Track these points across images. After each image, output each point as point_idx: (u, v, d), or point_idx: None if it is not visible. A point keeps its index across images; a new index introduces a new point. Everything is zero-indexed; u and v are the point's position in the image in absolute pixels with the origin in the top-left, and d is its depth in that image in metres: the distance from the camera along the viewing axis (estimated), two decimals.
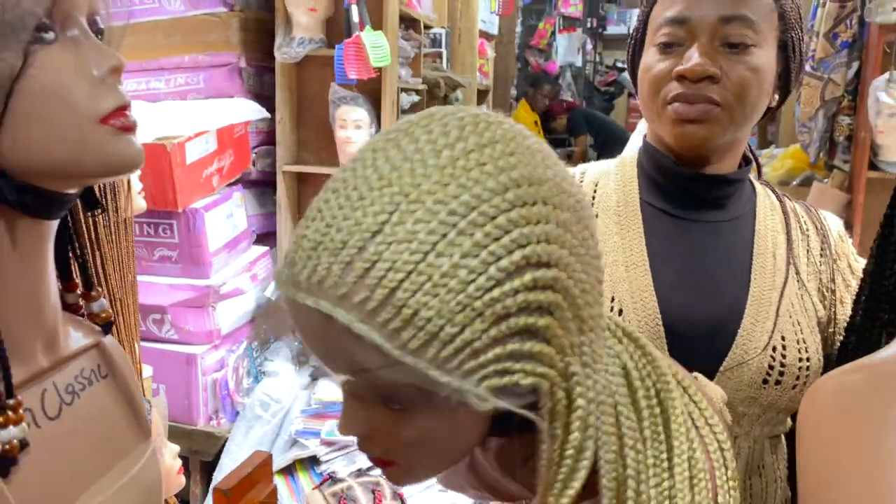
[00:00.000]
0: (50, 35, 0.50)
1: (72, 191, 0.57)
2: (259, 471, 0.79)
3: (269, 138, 2.60)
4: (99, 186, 1.40)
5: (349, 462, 2.16)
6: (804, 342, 0.83)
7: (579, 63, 6.55)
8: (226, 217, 2.37)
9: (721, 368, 0.82)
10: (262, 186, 2.63)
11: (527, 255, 0.46)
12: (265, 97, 2.52)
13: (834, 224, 0.92)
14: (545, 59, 6.08)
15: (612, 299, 0.83)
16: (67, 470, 0.58)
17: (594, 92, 6.73)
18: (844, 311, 0.87)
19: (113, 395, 0.66)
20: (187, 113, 2.34)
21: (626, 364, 0.55)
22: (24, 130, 0.50)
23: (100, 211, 0.64)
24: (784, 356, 0.82)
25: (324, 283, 0.46)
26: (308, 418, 2.27)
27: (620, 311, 0.82)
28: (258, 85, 2.56)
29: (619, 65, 6.89)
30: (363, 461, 2.16)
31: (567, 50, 6.27)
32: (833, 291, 0.88)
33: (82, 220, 0.66)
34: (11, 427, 0.51)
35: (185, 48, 2.47)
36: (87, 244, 1.31)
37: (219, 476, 2.25)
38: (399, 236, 0.45)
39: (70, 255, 0.67)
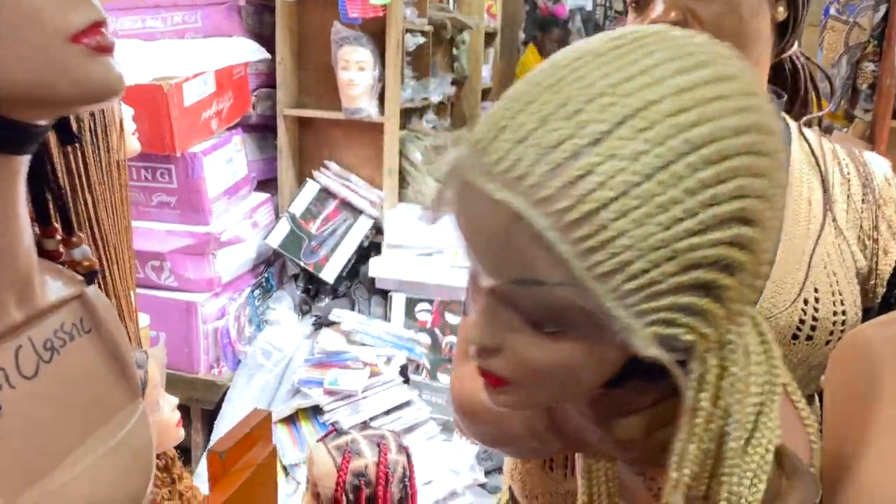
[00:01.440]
0: None
1: (43, 122, 0.50)
2: (258, 430, 0.74)
3: (269, 80, 2.51)
4: (89, 126, 1.33)
5: (353, 412, 2.14)
6: (840, 294, 0.78)
7: (589, 7, 6.36)
8: (225, 162, 2.30)
9: None
10: (263, 131, 2.55)
11: (742, 208, 0.43)
12: (265, 37, 2.42)
13: (880, 166, 0.85)
14: (554, 2, 5.90)
15: None
16: (47, 434, 0.53)
17: None
18: (888, 262, 0.81)
19: (98, 351, 0.61)
20: (185, 52, 2.25)
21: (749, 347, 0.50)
22: None
23: (77, 145, 0.57)
24: (816, 309, 0.77)
25: (524, 180, 0.42)
26: (311, 367, 2.24)
27: None
28: (257, 24, 2.45)
29: None
30: (367, 411, 2.14)
31: None
32: (876, 240, 0.82)
33: (60, 158, 0.59)
34: None
35: None
36: (78, 186, 1.25)
37: (220, 424, 2.23)
38: (622, 152, 0.41)
39: (48, 197, 0.61)
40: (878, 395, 0.48)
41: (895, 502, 0.46)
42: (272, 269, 2.53)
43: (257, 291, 2.45)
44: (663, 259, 0.42)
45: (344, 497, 1.23)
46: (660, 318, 0.43)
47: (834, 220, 0.80)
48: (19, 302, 0.54)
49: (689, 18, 0.77)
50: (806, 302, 0.76)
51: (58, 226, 0.62)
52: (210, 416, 2.31)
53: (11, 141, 0.48)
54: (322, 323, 2.39)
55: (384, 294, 2.44)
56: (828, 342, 0.77)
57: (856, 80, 2.31)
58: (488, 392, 0.52)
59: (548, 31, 5.22)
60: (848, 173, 0.84)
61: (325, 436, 1.32)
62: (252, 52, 2.34)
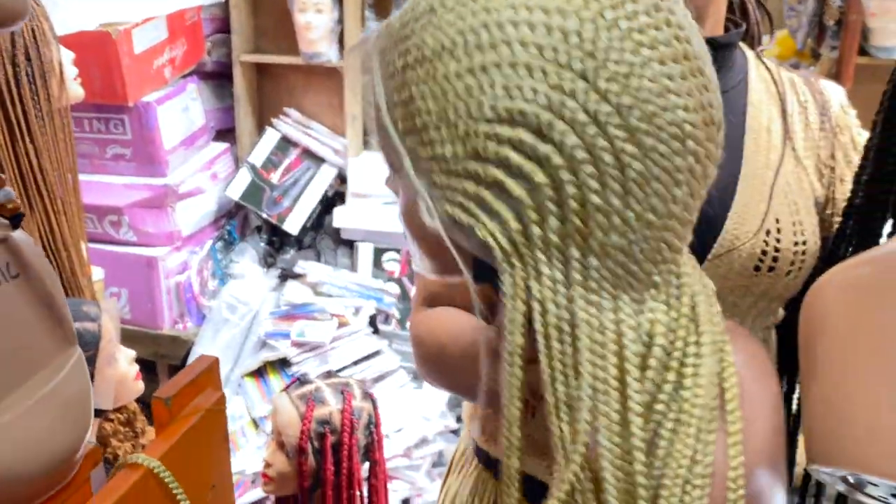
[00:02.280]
0: None
1: None
2: (205, 376, 0.72)
3: (223, 25, 2.41)
4: (26, 71, 1.27)
5: (321, 362, 2.13)
6: (801, 224, 0.77)
7: None
8: (181, 111, 2.23)
9: (710, 255, 0.75)
10: (219, 78, 2.47)
11: (534, 114, 0.43)
12: None
13: (836, 94, 0.84)
14: None
15: None
16: None
17: None
18: (844, 191, 0.80)
19: (26, 297, 0.57)
20: None
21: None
22: None
23: (15, 92, 0.53)
24: (778, 240, 0.76)
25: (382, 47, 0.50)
26: (277, 320, 2.21)
27: None
28: None
29: None
30: (335, 362, 2.13)
31: None
32: (833, 169, 0.81)
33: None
34: None
35: None
36: (18, 135, 1.19)
37: None
38: (445, 19, 0.46)
39: None
40: (850, 334, 0.49)
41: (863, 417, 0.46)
42: (234, 222, 2.48)
43: (219, 244, 2.40)
44: (451, 136, 0.45)
45: (309, 444, 1.22)
46: (453, 198, 0.46)
47: (793, 148, 0.79)
48: None
49: None
50: (768, 233, 0.76)
51: None
52: (176, 372, 2.29)
53: None
54: (287, 275, 2.36)
55: (350, 244, 2.41)
56: (789, 273, 0.76)
57: (822, 17, 2.29)
58: None
59: None
60: (805, 101, 0.82)
61: (289, 385, 1.31)
62: None
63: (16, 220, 0.60)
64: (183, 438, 0.65)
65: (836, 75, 2.21)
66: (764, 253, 0.75)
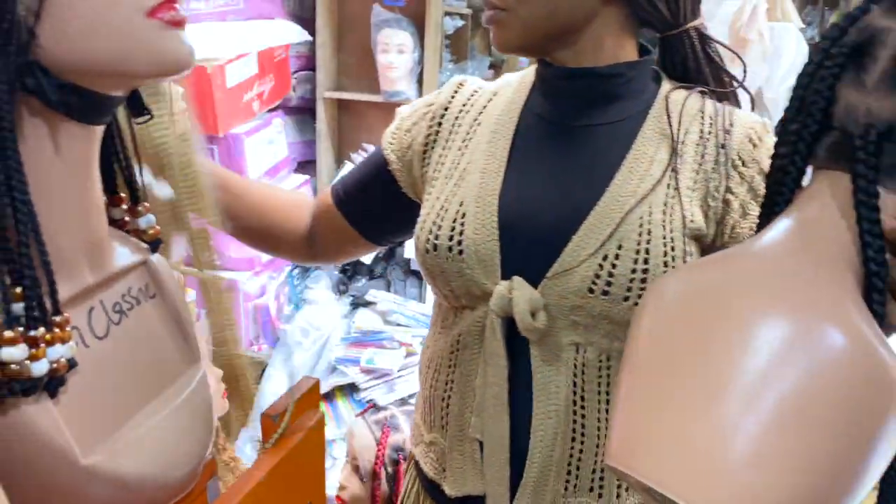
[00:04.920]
0: None
1: (117, 93, 0.52)
2: (307, 397, 0.76)
3: (309, 63, 2.53)
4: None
5: (388, 390, 2.17)
6: (646, 253, 0.77)
7: None
8: (266, 143, 2.33)
9: (548, 274, 0.79)
10: (302, 113, 2.58)
11: None
12: (305, 20, 2.44)
13: (744, 127, 0.83)
14: None
15: (461, 204, 0.83)
16: (116, 393, 0.56)
17: None
18: (749, 224, 0.81)
19: (161, 316, 0.63)
20: (227, 34, 2.28)
21: None
22: (65, 20, 0.45)
23: (149, 117, 0.60)
24: (614, 265, 0.77)
25: None
26: (348, 346, 2.27)
27: (464, 214, 0.82)
28: (298, 7, 2.48)
29: None
30: (402, 390, 2.17)
31: None
32: (727, 202, 0.81)
33: (129, 129, 0.62)
34: (59, 345, 0.49)
35: None
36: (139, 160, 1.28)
37: (259, 400, 2.28)
38: None
39: (116, 167, 0.64)
40: (666, 346, 0.49)
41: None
42: None
43: (296, 271, 2.49)
44: None
45: (383, 470, 1.26)
46: None
47: (676, 181, 0.80)
48: (92, 265, 0.56)
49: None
50: (605, 257, 0.77)
51: (124, 195, 0.65)
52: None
53: (89, 111, 0.51)
54: (359, 303, 2.42)
55: (419, 275, 2.46)
56: (626, 298, 0.77)
57: None
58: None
59: None
60: (708, 134, 0.82)
61: (365, 411, 1.35)
62: (293, 34, 2.36)
63: (155, 245, 0.66)
64: (287, 456, 0.69)
65: None
66: (597, 276, 0.77)
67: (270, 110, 2.38)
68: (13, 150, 0.45)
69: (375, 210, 0.98)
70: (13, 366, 0.46)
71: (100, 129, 0.54)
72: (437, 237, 0.82)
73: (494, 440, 0.82)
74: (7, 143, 0.45)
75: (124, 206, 0.64)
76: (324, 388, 2.25)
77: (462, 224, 0.81)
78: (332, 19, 2.47)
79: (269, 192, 1.09)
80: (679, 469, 0.43)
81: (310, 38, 2.42)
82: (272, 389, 2.25)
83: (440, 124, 0.90)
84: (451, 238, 0.81)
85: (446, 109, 0.90)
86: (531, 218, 0.81)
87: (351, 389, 2.23)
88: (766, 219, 0.57)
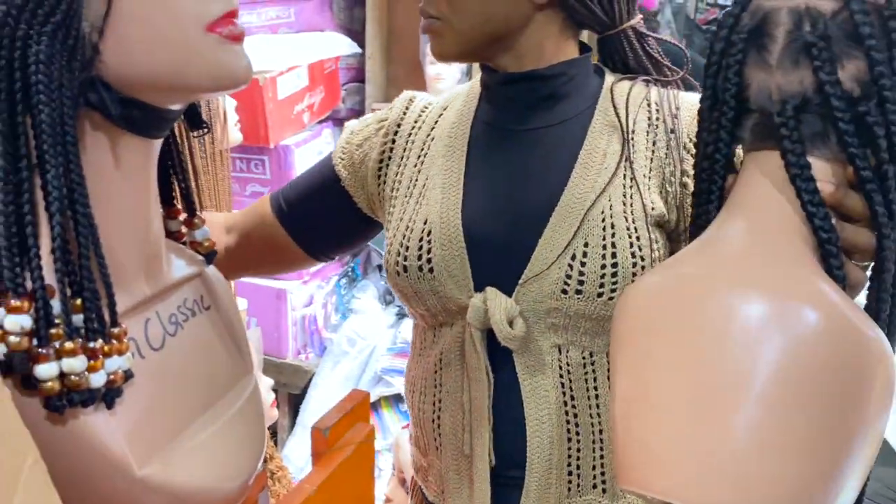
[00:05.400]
0: None
1: (176, 107, 0.53)
2: (358, 410, 0.76)
3: (358, 75, 2.55)
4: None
5: None
6: (612, 247, 0.77)
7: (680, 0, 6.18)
8: (316, 154, 2.36)
9: (520, 281, 0.78)
10: None
11: None
12: (355, 32, 2.47)
13: (690, 110, 0.82)
14: None
15: (426, 222, 0.82)
16: (170, 404, 0.56)
17: (694, 30, 6.36)
18: None
19: (216, 327, 0.64)
20: (279, 47, 2.32)
21: None
22: (127, 35, 0.46)
23: (206, 130, 0.61)
24: (583, 264, 0.77)
25: None
26: (394, 356, 2.27)
27: (430, 232, 0.82)
28: (348, 18, 2.50)
29: (721, 2, 6.48)
30: None
31: None
32: (684, 185, 0.80)
33: (186, 144, 0.62)
34: (116, 356, 0.49)
35: None
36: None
37: (306, 409, 2.30)
38: None
39: (172, 179, 0.64)
40: (644, 346, 0.50)
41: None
42: (358, 259, 2.59)
43: (343, 280, 2.51)
44: None
45: None
46: None
47: (631, 171, 0.79)
48: (148, 277, 0.57)
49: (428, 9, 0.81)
50: (573, 257, 0.77)
51: (180, 208, 0.66)
52: (296, 400, 2.38)
53: (148, 125, 0.52)
54: (405, 313, 2.43)
55: None
56: (600, 295, 0.77)
57: None
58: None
59: None
60: (657, 120, 0.82)
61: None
62: (344, 46, 2.39)
63: (210, 257, 0.67)
64: (338, 468, 0.69)
65: None
66: (568, 277, 0.77)
67: (320, 121, 2.41)
68: (76, 164, 0.46)
69: (323, 225, 0.96)
70: (73, 377, 0.46)
71: (158, 142, 0.55)
72: (405, 258, 0.83)
73: (485, 454, 0.82)
74: (70, 158, 0.46)
75: (181, 218, 0.65)
76: (370, 399, 2.25)
77: (429, 242, 0.82)
78: (381, 31, 2.49)
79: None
80: (690, 478, 0.44)
81: (359, 50, 2.44)
82: (319, 397, 2.26)
83: (394, 141, 0.90)
84: (419, 258, 0.82)
85: (399, 126, 0.91)
86: (495, 227, 0.81)
87: (396, 400, 2.23)
88: (702, 207, 0.59)
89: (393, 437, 2.06)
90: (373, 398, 2.25)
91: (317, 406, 2.31)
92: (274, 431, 2.29)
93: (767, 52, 0.52)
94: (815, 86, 0.50)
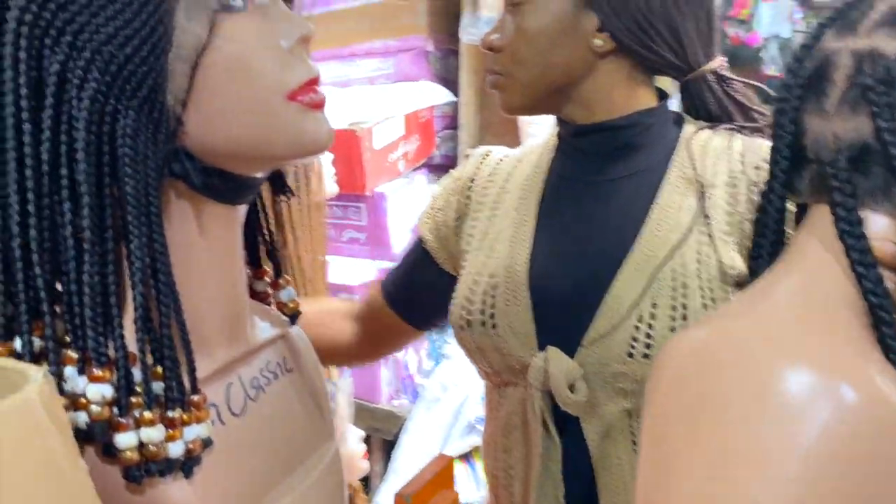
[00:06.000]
0: (238, 2, 0.47)
1: (259, 174, 0.53)
2: (442, 476, 0.74)
3: (452, 122, 2.58)
4: (294, 168, 1.44)
5: None
6: (684, 308, 0.71)
7: (786, 34, 5.97)
8: (411, 201, 2.38)
9: (583, 342, 0.74)
10: (446, 170, 2.60)
11: None
12: (450, 80, 2.50)
13: None
14: (746, 30, 5.61)
15: (491, 276, 0.80)
16: (251, 470, 0.55)
17: None
18: None
19: (298, 390, 0.63)
20: (376, 98, 2.37)
21: None
22: (210, 107, 0.47)
23: (289, 196, 0.61)
24: (651, 326, 0.71)
25: None
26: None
27: (495, 286, 0.80)
28: (443, 68, 2.54)
29: None
30: None
31: (773, 19, 5.74)
32: None
33: (272, 206, 0.63)
34: (195, 425, 0.49)
35: (374, 33, 2.51)
36: (280, 228, 1.34)
37: (398, 456, 2.28)
38: None
39: (259, 241, 0.65)
40: (676, 409, 0.48)
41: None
42: None
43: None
44: None
45: None
46: None
47: (708, 227, 0.75)
48: (231, 340, 0.57)
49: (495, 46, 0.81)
50: (640, 318, 0.72)
51: (267, 268, 0.66)
52: (388, 447, 2.37)
53: (232, 193, 0.52)
54: None
55: None
56: None
57: None
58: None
59: (737, 62, 4.95)
60: (739, 173, 0.76)
61: None
62: (439, 95, 2.42)
63: (294, 318, 0.67)
64: None
65: None
66: (635, 339, 0.72)
67: (415, 169, 2.44)
68: (160, 234, 0.47)
69: (421, 295, 0.99)
70: (151, 447, 0.46)
71: (243, 208, 0.55)
72: (469, 312, 0.81)
73: None
74: (154, 228, 0.46)
75: (267, 279, 0.65)
76: (463, 448, 2.21)
77: (493, 297, 0.80)
78: (475, 79, 2.51)
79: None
80: None
81: (454, 98, 2.46)
82: (412, 443, 2.24)
83: (468, 196, 0.90)
84: (482, 312, 0.80)
85: (472, 181, 0.91)
86: (562, 282, 0.79)
87: None
88: (753, 262, 0.57)
89: (487, 489, 2.01)
90: (466, 448, 2.21)
91: (410, 452, 2.29)
92: (365, 479, 2.28)
93: (825, 98, 0.49)
94: (874, 133, 0.46)
